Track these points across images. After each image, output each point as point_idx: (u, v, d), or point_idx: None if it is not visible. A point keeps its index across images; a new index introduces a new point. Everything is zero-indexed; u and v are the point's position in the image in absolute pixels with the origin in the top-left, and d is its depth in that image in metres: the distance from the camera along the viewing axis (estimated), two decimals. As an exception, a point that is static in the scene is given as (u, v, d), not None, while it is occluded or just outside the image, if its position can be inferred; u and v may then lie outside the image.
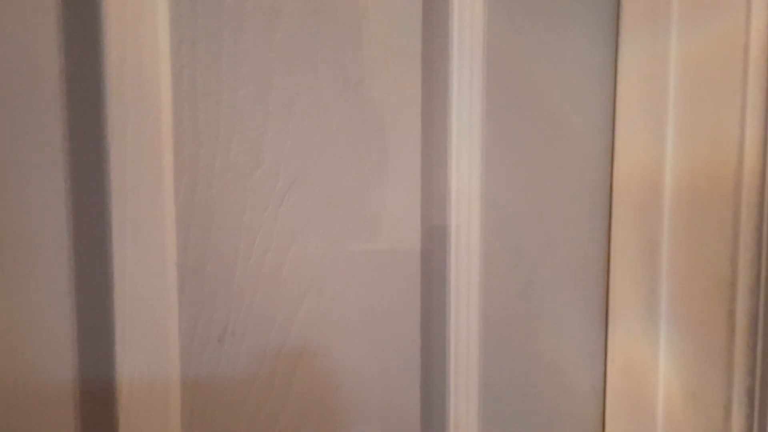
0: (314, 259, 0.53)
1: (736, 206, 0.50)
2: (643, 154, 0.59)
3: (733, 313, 0.51)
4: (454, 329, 0.59)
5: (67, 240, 0.46)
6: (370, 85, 0.54)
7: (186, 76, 0.49)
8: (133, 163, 0.48)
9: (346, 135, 0.53)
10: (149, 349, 0.49)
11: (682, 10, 0.54)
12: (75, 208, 0.47)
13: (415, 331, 0.57)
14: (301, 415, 0.54)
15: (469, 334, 0.60)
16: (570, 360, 0.63)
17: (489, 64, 0.57)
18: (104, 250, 0.48)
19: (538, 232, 0.61)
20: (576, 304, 0.63)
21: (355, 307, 0.55)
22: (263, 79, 0.51)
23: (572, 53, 0.60)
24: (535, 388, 0.62)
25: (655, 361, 0.61)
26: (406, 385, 0.57)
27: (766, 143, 0.47)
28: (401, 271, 0.55)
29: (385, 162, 0.55)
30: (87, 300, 0.47)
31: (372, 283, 0.55)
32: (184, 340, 0.50)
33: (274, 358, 0.53)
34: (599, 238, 0.64)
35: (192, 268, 0.50)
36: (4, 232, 0.46)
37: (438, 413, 0.58)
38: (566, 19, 0.60)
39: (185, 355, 0.50)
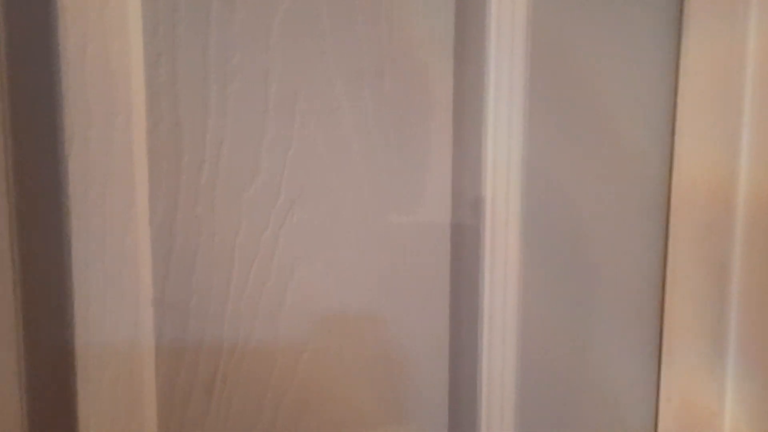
0: (321, 289, 0.44)
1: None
2: (710, 163, 0.51)
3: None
4: (488, 322, 0.50)
5: (11, 274, 0.37)
6: (391, 77, 0.44)
7: (164, 67, 0.39)
8: (97, 176, 0.38)
9: (360, 138, 0.44)
10: (119, 408, 0.39)
11: (768, -9, 0.46)
12: (22, 234, 0.37)
13: (443, 332, 0.48)
14: (307, 477, 0.45)
15: (505, 330, 0.51)
16: (616, 387, 0.55)
17: (531, 53, 0.47)
18: (61, 287, 0.38)
19: (583, 243, 0.52)
20: (626, 326, 0.55)
21: (366, 356, 0.46)
22: (260, 70, 0.41)
23: (626, 42, 0.51)
24: (574, 411, 0.54)
25: (721, 404, 0.53)
26: (432, 400, 0.48)
27: None
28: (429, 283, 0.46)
29: (408, 169, 0.45)
30: (39, 355, 0.38)
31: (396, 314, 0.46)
32: (162, 394, 0.40)
33: (274, 411, 0.43)
34: (654, 256, 0.55)
35: (172, 305, 0.40)
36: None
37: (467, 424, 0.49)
38: (620, 3, 0.51)
39: (164, 412, 0.40)
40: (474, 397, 0.50)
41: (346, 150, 0.44)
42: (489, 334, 0.52)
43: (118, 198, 0.39)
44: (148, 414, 0.40)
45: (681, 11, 0.55)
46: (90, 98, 0.38)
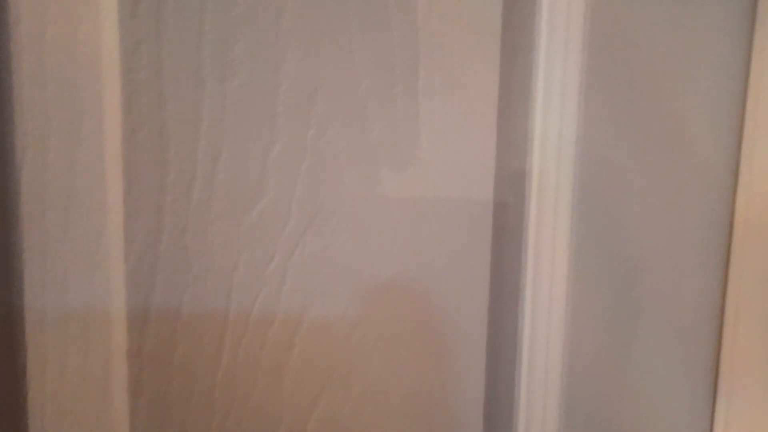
0: (338, 336, 0.36)
1: None
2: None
3: None
4: (530, 313, 0.43)
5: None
6: (427, 73, 0.36)
7: (145, 58, 0.30)
8: (57, 196, 0.30)
9: (390, 147, 0.35)
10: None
11: None
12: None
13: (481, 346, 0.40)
14: None
15: (551, 323, 0.44)
16: (664, 422, 0.47)
17: (589, 35, 0.39)
18: (13, 334, 0.30)
19: (636, 241, 0.44)
20: (678, 355, 0.47)
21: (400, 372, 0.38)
22: (268, 63, 0.33)
23: (693, 32, 0.42)
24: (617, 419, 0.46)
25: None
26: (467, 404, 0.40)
27: None
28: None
29: (447, 181, 0.37)
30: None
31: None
32: (139, 470, 0.32)
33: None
34: (712, 279, 0.47)
35: (152, 358, 0.32)
36: None
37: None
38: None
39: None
40: (510, 405, 0.43)
41: (373, 162, 0.35)
42: (531, 334, 0.44)
43: (85, 225, 0.30)
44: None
45: (755, 5, 0.47)
46: (49, 97, 0.29)
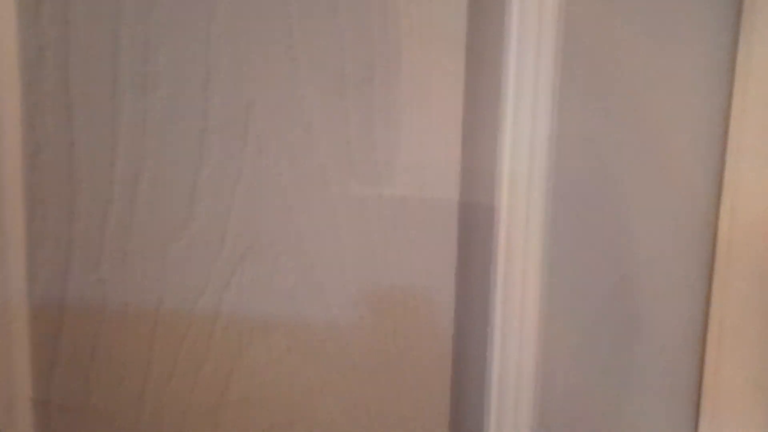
0: (281, 376, 0.32)
1: None
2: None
3: None
4: (500, 326, 0.41)
5: None
6: (382, 82, 0.32)
7: (50, 67, 0.27)
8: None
9: (339, 165, 0.32)
10: None
11: None
12: None
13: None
14: None
15: (522, 343, 0.42)
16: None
17: (563, 38, 0.36)
18: None
19: (618, 243, 0.41)
20: (659, 375, 0.44)
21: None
22: (197, 73, 0.29)
23: (676, 31, 0.39)
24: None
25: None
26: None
27: None
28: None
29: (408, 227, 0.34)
30: None
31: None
32: None
33: None
34: (695, 293, 0.44)
35: (60, 405, 0.28)
36: None
37: None
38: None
39: None
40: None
41: (320, 182, 0.32)
42: (501, 343, 0.42)
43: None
44: None
45: (740, 6, 0.44)
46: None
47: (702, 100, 0.42)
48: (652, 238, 0.44)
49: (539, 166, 0.40)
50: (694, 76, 0.41)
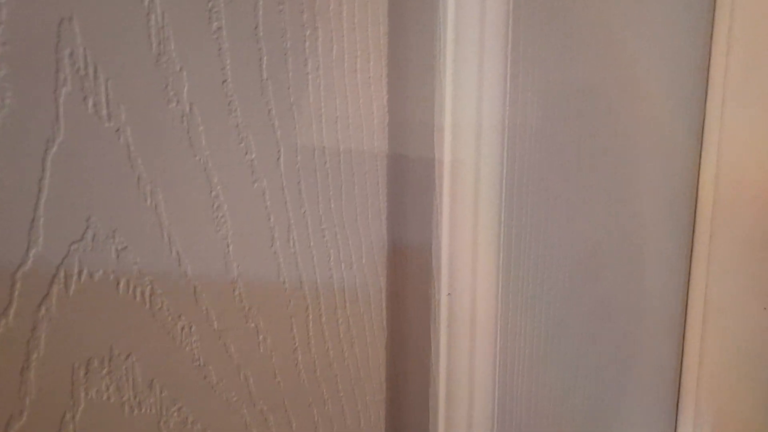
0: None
1: None
2: (756, 156, 0.38)
3: None
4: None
5: None
6: (294, 36, 0.30)
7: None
8: None
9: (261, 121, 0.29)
10: None
11: None
12: None
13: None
14: None
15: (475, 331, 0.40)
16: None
17: None
18: None
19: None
20: (638, 367, 0.43)
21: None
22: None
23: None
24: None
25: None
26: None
27: None
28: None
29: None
30: None
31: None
32: None
33: None
34: (675, 283, 0.43)
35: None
36: None
37: None
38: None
39: None
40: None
41: (237, 140, 0.29)
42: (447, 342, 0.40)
43: None
44: None
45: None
46: None
47: (680, 39, 0.41)
48: (628, 201, 0.43)
49: (491, 115, 0.39)
50: (673, 12, 0.40)
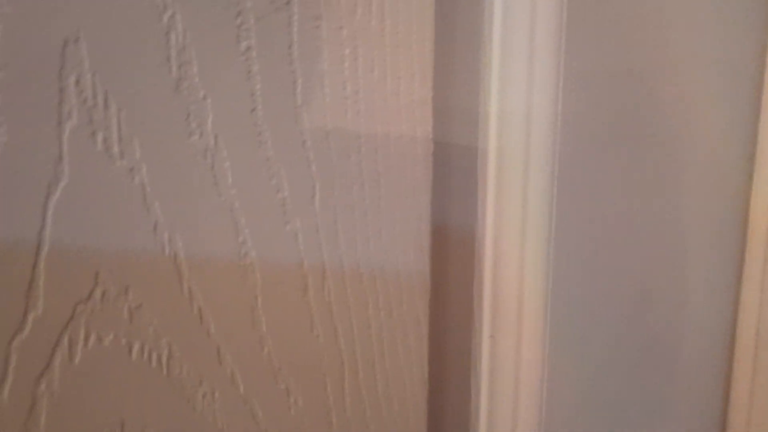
0: None
1: None
2: None
3: None
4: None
5: None
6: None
7: None
8: None
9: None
10: None
11: None
12: None
13: None
14: None
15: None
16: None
17: None
18: None
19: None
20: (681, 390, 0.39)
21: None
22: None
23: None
24: None
25: None
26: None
27: None
28: None
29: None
30: None
31: None
32: None
33: None
34: (724, 296, 0.39)
35: None
36: None
37: None
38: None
39: None
40: None
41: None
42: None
43: None
44: None
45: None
46: None
47: (734, 62, 0.37)
48: (675, 223, 0.39)
49: (541, 104, 0.34)
50: (727, 32, 0.36)
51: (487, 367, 0.40)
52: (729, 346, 0.44)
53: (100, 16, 0.23)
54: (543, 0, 0.34)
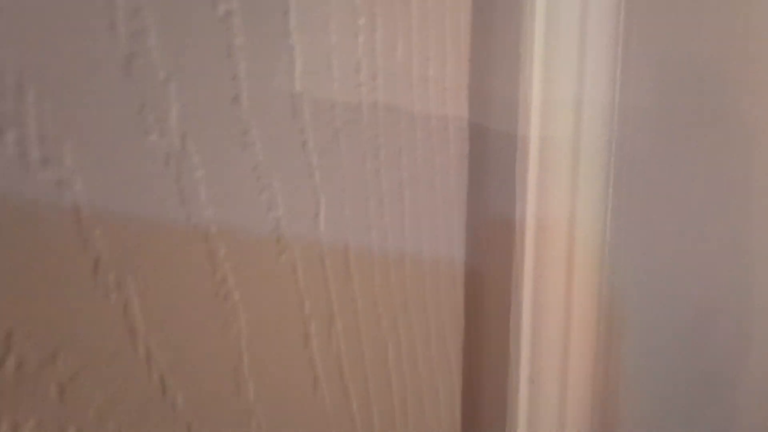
0: None
1: None
2: None
3: None
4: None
5: None
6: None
7: None
8: None
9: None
10: None
11: None
12: None
13: None
14: None
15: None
16: None
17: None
18: None
19: None
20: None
21: None
22: None
23: None
24: None
25: None
26: None
27: None
28: None
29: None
30: None
31: None
32: None
33: None
34: None
35: None
36: None
37: None
38: None
39: None
40: None
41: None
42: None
43: None
44: None
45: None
46: None
47: None
48: (738, 231, 0.32)
49: (592, 93, 0.28)
50: None
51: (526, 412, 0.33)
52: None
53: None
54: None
